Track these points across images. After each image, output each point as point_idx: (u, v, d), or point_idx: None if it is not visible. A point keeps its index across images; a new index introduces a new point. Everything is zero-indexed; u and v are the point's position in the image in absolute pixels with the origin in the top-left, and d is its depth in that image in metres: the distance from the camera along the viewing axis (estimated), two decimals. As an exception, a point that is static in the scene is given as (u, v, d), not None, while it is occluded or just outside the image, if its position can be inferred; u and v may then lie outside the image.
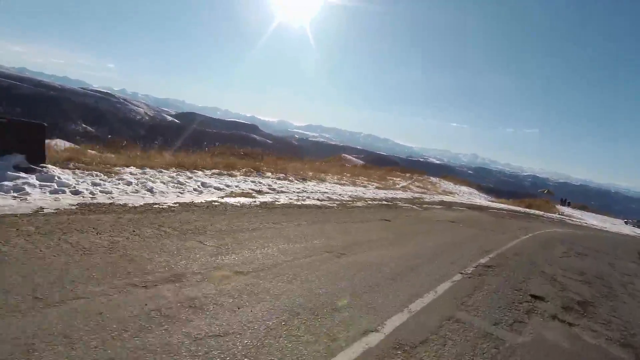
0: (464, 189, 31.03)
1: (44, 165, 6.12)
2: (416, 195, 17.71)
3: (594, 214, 46.22)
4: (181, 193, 6.74)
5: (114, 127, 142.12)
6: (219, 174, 9.31)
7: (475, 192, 30.42)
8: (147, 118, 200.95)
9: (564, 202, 49.37)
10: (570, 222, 26.44)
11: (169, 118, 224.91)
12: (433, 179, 31.17)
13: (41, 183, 5.33)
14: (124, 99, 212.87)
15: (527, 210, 27.87)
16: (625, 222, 42.27)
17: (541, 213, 27.82)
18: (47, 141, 6.84)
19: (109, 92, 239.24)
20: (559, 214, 32.75)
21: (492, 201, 28.39)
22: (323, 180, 13.00)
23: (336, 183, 13.39)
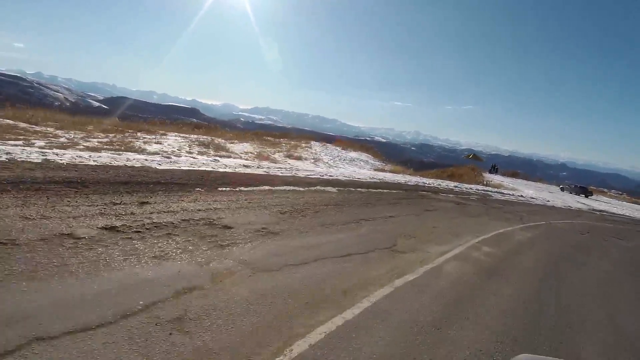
0: (353, 154, 21.25)
1: None
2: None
3: (526, 181, 40.22)
4: None
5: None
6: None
7: (366, 159, 20.70)
8: (67, 104, 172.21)
9: (493, 169, 42.92)
10: (497, 196, 17.71)
11: (95, 104, 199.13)
12: (315, 144, 20.88)
13: None
14: (38, 83, 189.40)
15: (440, 182, 18.73)
16: (561, 188, 36.44)
17: (454, 185, 18.87)
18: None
19: (18, 75, 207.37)
20: (484, 183, 24.47)
21: (380, 171, 18.82)
22: None
23: None
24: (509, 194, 21.32)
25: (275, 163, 12.73)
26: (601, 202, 29.28)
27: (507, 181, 33.82)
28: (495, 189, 23.11)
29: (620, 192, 50.51)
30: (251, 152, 13.88)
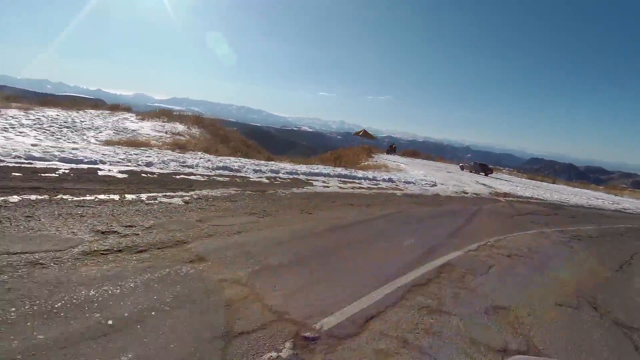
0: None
1: None
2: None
3: (426, 161, 34.86)
4: None
5: None
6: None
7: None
8: None
9: (390, 149, 36.85)
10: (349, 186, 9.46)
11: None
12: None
13: None
14: None
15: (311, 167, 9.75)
16: (460, 166, 31.37)
17: (319, 170, 10.23)
18: None
19: None
20: (363, 165, 16.57)
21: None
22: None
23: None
24: (381, 178, 13.50)
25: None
26: (502, 181, 24.18)
27: (403, 161, 27.51)
28: (369, 172, 15.25)
29: (512, 169, 50.63)
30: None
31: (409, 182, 13.85)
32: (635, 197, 27.80)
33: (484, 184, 19.07)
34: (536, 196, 16.80)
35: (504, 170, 45.84)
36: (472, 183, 18.64)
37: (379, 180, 12.97)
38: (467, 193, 13.87)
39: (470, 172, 29.21)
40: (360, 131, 30.81)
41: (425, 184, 14.25)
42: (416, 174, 17.85)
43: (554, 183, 29.86)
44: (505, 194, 15.56)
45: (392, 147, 36.89)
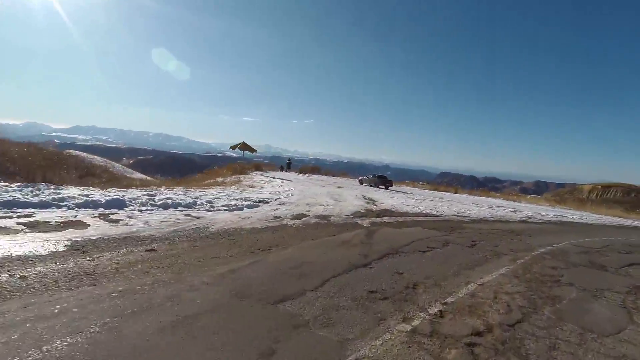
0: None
1: None
2: None
3: (324, 176, 30.11)
4: None
5: None
6: None
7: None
8: None
9: (287, 166, 31.49)
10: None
11: None
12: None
13: None
14: None
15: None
16: (360, 180, 27.10)
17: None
18: None
19: None
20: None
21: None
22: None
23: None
24: (190, 201, 7.20)
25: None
26: (401, 194, 20.06)
27: (291, 177, 22.02)
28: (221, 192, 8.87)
29: (424, 182, 50.07)
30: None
31: (233, 206, 7.81)
32: (533, 203, 26.72)
33: (370, 199, 14.22)
34: (429, 210, 12.36)
35: (418, 184, 44.76)
36: (352, 199, 13.62)
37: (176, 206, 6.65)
38: (320, 217, 8.32)
39: (370, 186, 25.17)
40: (239, 144, 24.77)
41: (262, 204, 8.35)
42: (270, 192, 12.08)
43: (456, 192, 27.44)
44: (387, 211, 10.66)
45: (289, 163, 31.64)
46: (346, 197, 13.99)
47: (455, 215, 12.01)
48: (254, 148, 25.26)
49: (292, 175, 26.84)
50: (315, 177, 28.06)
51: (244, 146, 24.07)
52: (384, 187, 25.36)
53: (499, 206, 19.21)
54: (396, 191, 23.36)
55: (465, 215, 12.62)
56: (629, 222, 21.35)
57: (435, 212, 12.06)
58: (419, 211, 11.87)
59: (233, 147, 24.46)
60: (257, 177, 19.42)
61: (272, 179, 19.83)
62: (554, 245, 8.29)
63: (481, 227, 9.97)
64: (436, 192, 27.57)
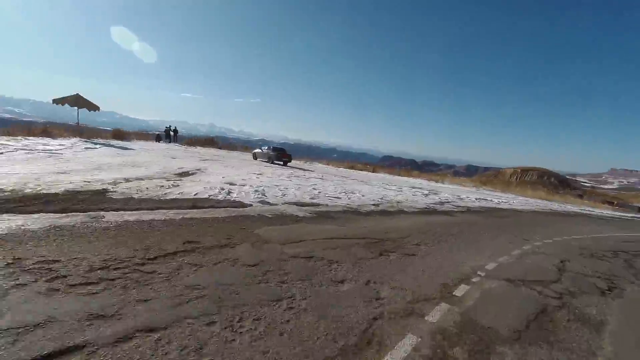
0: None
1: None
2: None
3: (216, 150, 23.57)
4: None
5: None
6: None
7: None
8: None
9: (167, 135, 24.42)
10: None
11: None
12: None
13: None
14: None
15: None
16: (254, 154, 21.18)
17: None
18: None
19: None
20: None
21: None
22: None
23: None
24: None
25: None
26: (292, 170, 14.47)
27: (157, 147, 14.86)
28: None
29: (366, 165, 45.95)
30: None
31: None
32: (457, 183, 23.30)
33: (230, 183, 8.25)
34: (276, 197, 6.84)
35: (358, 165, 40.28)
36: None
37: None
38: None
39: (268, 161, 19.39)
40: (70, 96, 16.57)
41: None
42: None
43: (373, 172, 22.90)
44: (205, 200, 4.85)
45: (167, 131, 24.26)
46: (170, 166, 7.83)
47: (304, 204, 6.62)
48: (97, 105, 17.51)
49: (164, 147, 19.94)
50: (202, 150, 21.46)
51: (75, 100, 16.15)
52: (281, 162, 19.74)
53: (413, 187, 14.68)
54: (297, 168, 17.84)
55: (332, 203, 7.31)
56: (568, 208, 18.49)
57: (271, 201, 6.50)
58: (244, 201, 6.21)
59: (58, 101, 16.55)
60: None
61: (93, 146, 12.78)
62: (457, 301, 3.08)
63: (314, 235, 4.57)
64: (352, 170, 22.72)
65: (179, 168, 9.69)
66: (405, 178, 21.88)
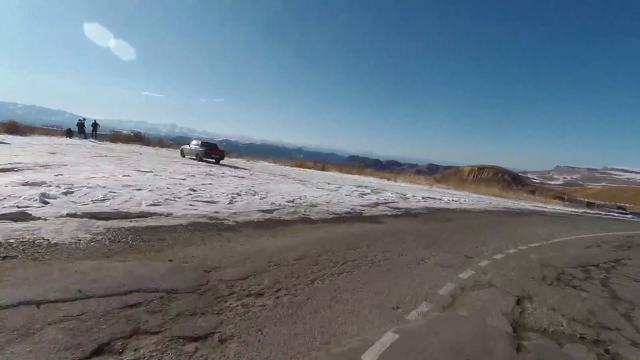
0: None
1: None
2: None
3: (129, 145, 20.32)
4: None
5: None
6: None
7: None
8: None
9: (77, 131, 20.68)
10: None
11: None
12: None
13: None
14: None
15: None
16: (181, 151, 18.27)
17: None
18: None
19: None
20: None
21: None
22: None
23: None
24: None
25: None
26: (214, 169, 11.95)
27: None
28: None
29: (316, 163, 44.21)
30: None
31: None
32: (410, 181, 22.01)
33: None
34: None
35: (278, 161, 38.11)
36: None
37: None
38: None
39: (193, 158, 16.65)
40: None
41: None
42: None
43: (323, 169, 20.92)
44: None
45: (81, 124, 20.44)
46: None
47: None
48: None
49: (70, 142, 16.53)
50: (118, 147, 18.20)
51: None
52: (212, 160, 17.07)
53: (359, 186, 12.73)
54: (230, 166, 15.30)
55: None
56: (522, 204, 17.46)
57: (39, 213, 4.06)
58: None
59: None
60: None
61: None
62: None
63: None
64: (299, 168, 20.52)
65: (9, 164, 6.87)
66: (355, 176, 20.05)
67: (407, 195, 11.75)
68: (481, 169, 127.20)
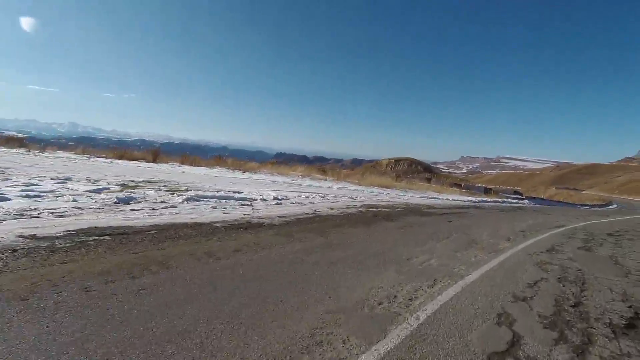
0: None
1: None
2: None
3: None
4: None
5: None
6: None
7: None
8: None
9: None
10: None
11: None
12: None
13: None
14: None
15: None
16: None
17: None
18: None
19: None
20: None
21: None
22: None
23: None
24: None
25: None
26: None
27: None
28: None
29: (260, 163, 40.11)
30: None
31: None
32: (280, 172, 18.76)
33: None
34: None
35: (251, 164, 32.47)
36: None
37: None
38: None
39: None
40: None
41: None
42: None
43: (153, 161, 16.49)
44: None
45: None
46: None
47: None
48: None
49: None
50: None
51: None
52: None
53: (183, 189, 8.60)
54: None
55: None
56: (409, 196, 15.11)
57: None
58: None
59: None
60: None
61: None
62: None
63: None
64: (133, 162, 15.55)
65: None
66: (198, 167, 15.87)
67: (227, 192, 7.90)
68: (397, 160, 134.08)
